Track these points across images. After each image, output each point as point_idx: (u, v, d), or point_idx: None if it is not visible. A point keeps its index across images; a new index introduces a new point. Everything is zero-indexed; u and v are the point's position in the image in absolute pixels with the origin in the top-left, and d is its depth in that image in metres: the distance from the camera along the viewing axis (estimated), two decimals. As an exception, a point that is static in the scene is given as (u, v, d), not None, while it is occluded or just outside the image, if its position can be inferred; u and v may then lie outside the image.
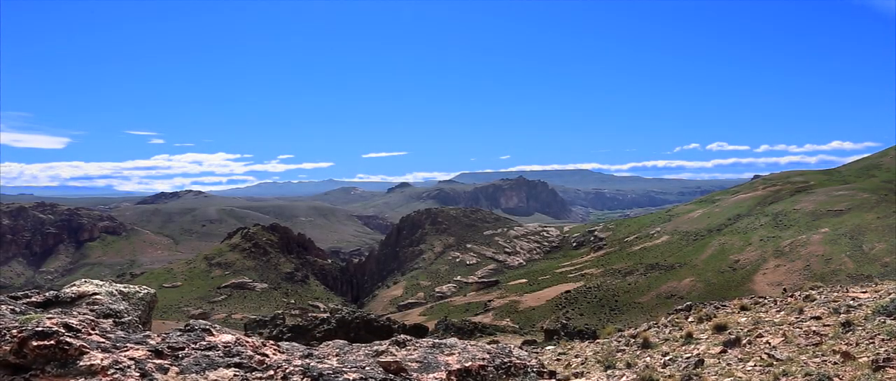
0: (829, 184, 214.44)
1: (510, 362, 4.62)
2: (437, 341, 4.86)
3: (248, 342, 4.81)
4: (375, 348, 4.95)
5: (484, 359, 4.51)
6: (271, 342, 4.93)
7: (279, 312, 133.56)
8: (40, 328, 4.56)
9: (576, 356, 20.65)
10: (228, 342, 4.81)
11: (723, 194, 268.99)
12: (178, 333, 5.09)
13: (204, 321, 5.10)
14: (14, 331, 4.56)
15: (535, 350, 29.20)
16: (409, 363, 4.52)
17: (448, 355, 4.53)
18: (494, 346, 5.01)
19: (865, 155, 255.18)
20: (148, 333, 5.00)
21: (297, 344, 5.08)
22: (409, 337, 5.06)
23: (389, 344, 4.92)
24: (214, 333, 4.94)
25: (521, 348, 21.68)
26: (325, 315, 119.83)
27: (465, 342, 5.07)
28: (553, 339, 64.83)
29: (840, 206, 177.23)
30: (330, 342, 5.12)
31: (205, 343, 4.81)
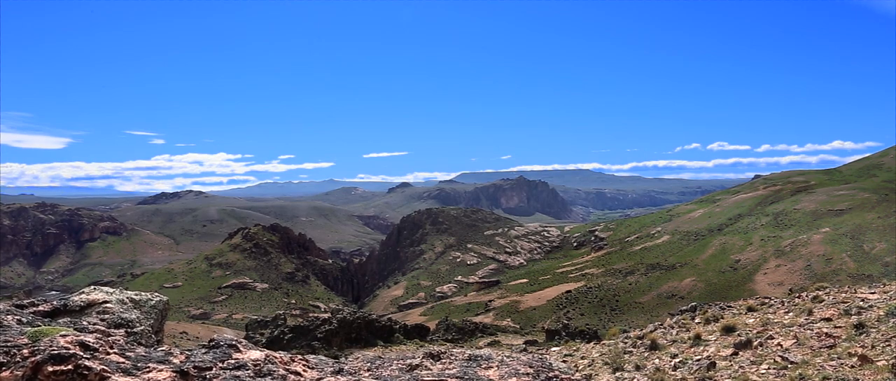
0: (830, 184, 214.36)
1: (555, 376, 4.36)
2: (472, 353, 4.60)
3: (277, 358, 4.40)
4: (409, 362, 4.65)
5: (527, 374, 4.22)
6: (299, 356, 4.62)
7: (280, 312, 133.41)
8: (55, 350, 4.09)
9: (582, 358, 20.47)
10: (258, 360, 4.46)
11: (723, 193, 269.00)
12: (203, 350, 4.70)
13: (229, 336, 4.75)
14: (25, 351, 4.09)
15: (542, 352, 29.04)
16: (449, 380, 4.22)
17: (487, 368, 4.26)
18: (531, 356, 4.77)
19: (866, 155, 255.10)
20: (170, 350, 4.56)
21: (323, 358, 4.77)
22: (442, 349, 4.81)
23: (423, 357, 4.63)
24: (242, 349, 4.58)
25: (560, 359, 21.35)
26: (326, 316, 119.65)
27: (501, 352, 4.81)
28: (554, 339, 64.63)
29: (841, 206, 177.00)
30: (358, 354, 4.86)
31: (233, 362, 4.45)
